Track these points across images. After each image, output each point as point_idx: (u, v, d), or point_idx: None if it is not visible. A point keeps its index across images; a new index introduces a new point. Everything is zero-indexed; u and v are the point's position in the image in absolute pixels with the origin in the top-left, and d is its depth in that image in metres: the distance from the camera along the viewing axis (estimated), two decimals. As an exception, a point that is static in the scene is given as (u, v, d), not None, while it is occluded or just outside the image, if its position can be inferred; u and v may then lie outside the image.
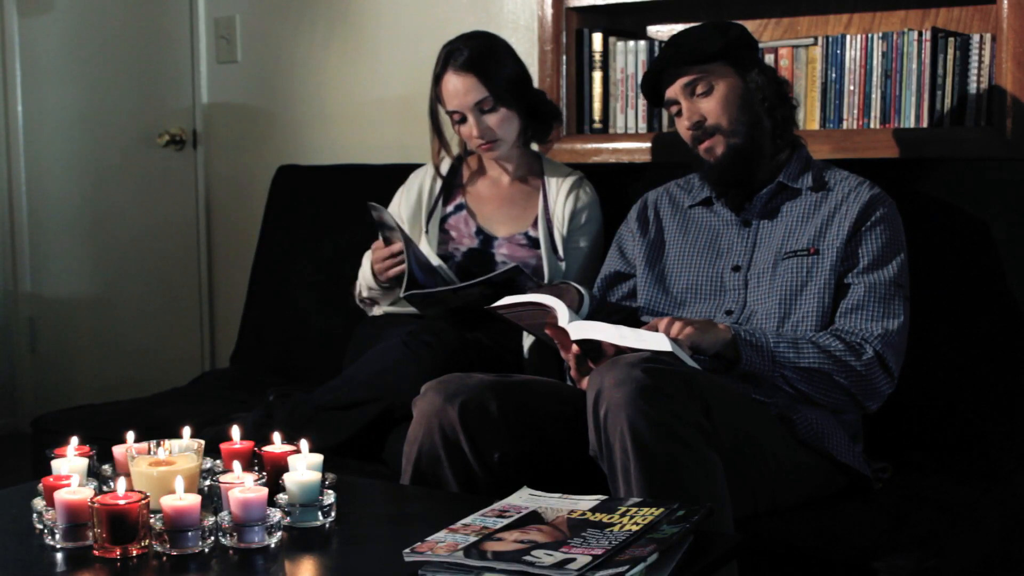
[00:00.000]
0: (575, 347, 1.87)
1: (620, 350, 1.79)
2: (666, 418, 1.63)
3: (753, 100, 2.08)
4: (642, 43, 2.73)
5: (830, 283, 2.00)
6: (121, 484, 1.46)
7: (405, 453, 1.85)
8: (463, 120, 2.44)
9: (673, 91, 2.12)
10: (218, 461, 1.72)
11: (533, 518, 1.45)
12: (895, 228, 2.03)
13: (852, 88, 2.48)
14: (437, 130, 2.53)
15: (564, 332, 1.85)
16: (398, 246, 2.35)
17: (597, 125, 2.80)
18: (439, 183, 2.58)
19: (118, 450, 1.68)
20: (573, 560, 1.28)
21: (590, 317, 2.24)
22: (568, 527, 1.40)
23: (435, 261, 2.46)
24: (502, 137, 2.45)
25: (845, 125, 2.50)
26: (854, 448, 1.96)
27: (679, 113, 2.12)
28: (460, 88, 2.40)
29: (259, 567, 1.43)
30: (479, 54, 2.40)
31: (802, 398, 1.93)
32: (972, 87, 2.37)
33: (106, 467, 1.70)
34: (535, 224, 2.49)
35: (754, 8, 2.66)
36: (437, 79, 2.44)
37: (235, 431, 1.73)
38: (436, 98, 2.48)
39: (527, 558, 1.29)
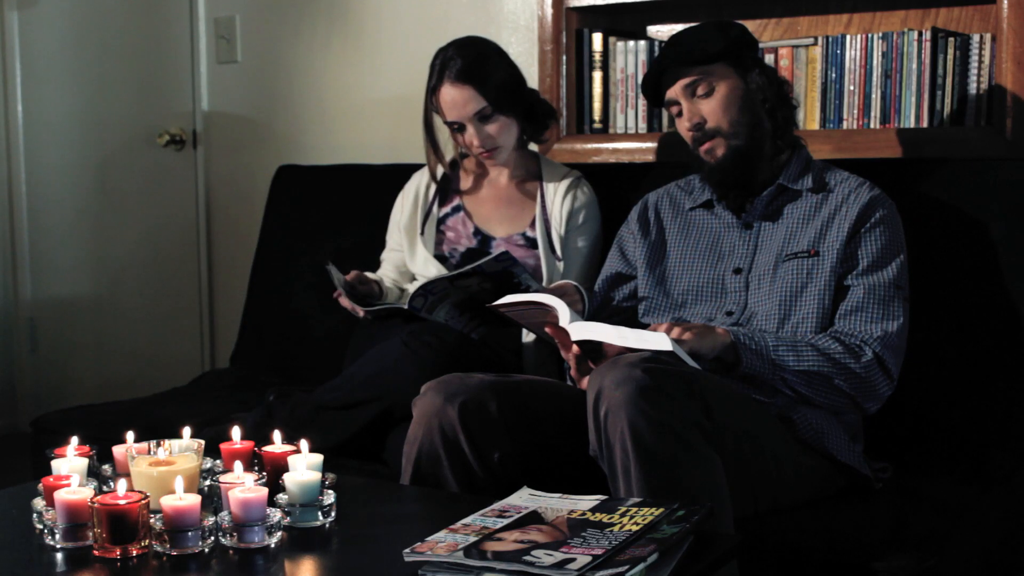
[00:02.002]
0: (575, 347, 1.87)
1: (620, 350, 1.79)
2: (666, 418, 1.63)
3: (754, 101, 2.08)
4: (642, 43, 2.73)
5: (830, 284, 2.00)
6: (121, 484, 1.46)
7: (405, 453, 1.85)
8: (462, 130, 2.43)
9: (674, 92, 2.11)
10: (218, 461, 1.72)
11: (533, 518, 1.45)
12: (895, 229, 2.03)
13: (852, 88, 2.48)
14: (432, 142, 2.52)
15: (565, 332, 1.85)
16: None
17: (597, 125, 2.80)
18: (435, 185, 2.58)
19: (118, 450, 1.68)
20: (573, 560, 1.28)
21: (591, 317, 2.24)
22: (568, 527, 1.40)
23: (432, 268, 2.46)
24: (502, 144, 2.45)
25: (845, 125, 2.50)
26: (854, 448, 1.96)
27: (679, 114, 2.12)
28: (458, 100, 2.39)
29: (259, 567, 1.43)
30: (473, 62, 2.39)
31: (802, 400, 1.93)
32: (972, 87, 2.37)
33: (106, 467, 1.70)
34: (533, 224, 2.49)
35: (754, 8, 2.66)
36: (433, 91, 2.43)
37: (235, 431, 1.73)
38: (432, 108, 2.47)
39: (527, 558, 1.29)
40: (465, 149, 2.51)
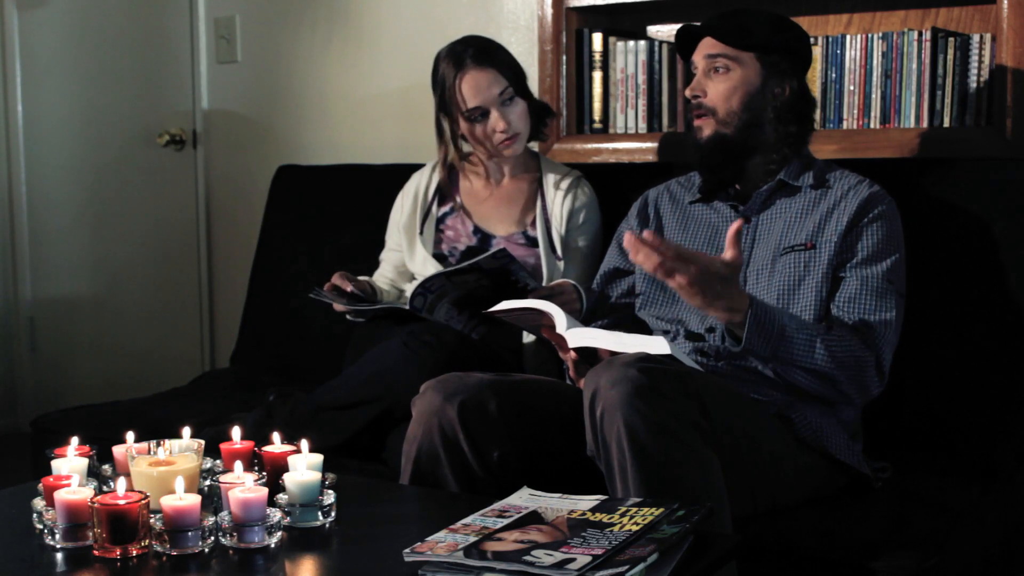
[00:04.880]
0: (573, 352, 1.87)
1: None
2: (662, 417, 1.62)
3: (763, 104, 2.07)
4: (642, 43, 2.73)
5: (827, 277, 1.99)
6: (121, 484, 1.46)
7: (404, 452, 1.85)
8: (485, 116, 2.42)
9: (697, 55, 2.12)
10: (218, 461, 1.72)
11: (533, 518, 1.45)
12: (893, 226, 2.03)
13: (852, 88, 2.48)
14: (440, 134, 2.52)
15: (562, 336, 1.85)
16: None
17: (597, 125, 2.80)
18: (435, 184, 2.58)
19: (118, 450, 1.68)
20: (573, 560, 1.28)
21: (590, 312, 2.24)
22: (568, 527, 1.40)
23: (431, 267, 2.46)
24: (521, 131, 2.46)
25: (845, 125, 2.50)
26: (853, 447, 1.96)
27: (693, 75, 2.13)
28: (482, 82, 2.40)
29: (259, 567, 1.43)
30: (487, 47, 2.43)
31: (787, 384, 1.91)
32: (972, 87, 2.37)
33: (106, 467, 1.70)
34: (533, 224, 2.49)
35: (756, 8, 2.66)
36: (455, 80, 2.41)
37: (235, 431, 1.73)
38: (447, 102, 2.45)
39: (527, 558, 1.29)
40: (482, 141, 2.46)
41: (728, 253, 1.79)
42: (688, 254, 1.76)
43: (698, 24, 2.13)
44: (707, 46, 2.10)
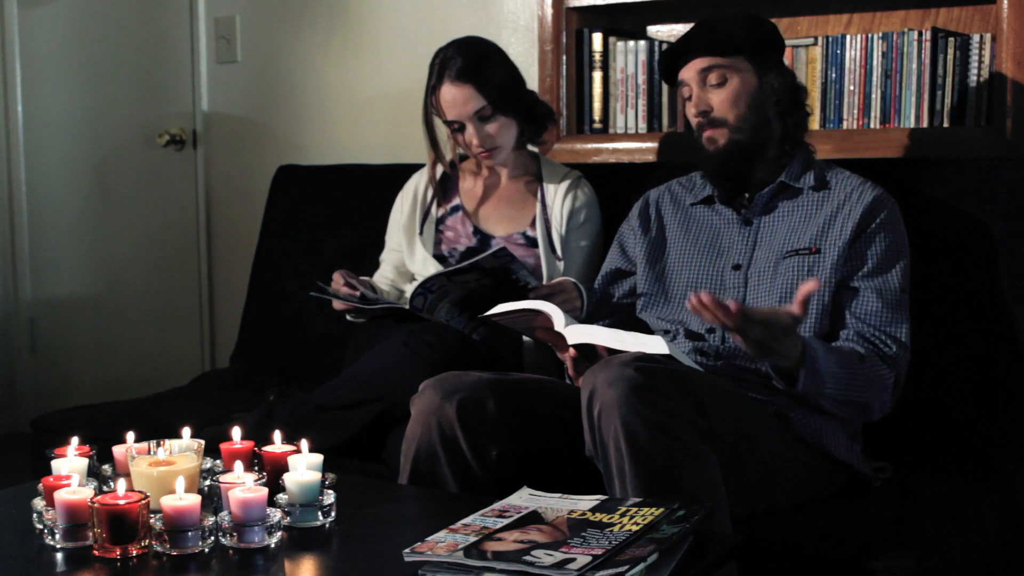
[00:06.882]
0: (571, 349, 1.87)
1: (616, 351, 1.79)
2: (660, 416, 1.62)
3: (765, 102, 2.07)
4: (642, 43, 2.73)
5: (831, 282, 1.99)
6: (121, 484, 1.46)
7: (403, 451, 1.85)
8: (462, 129, 2.44)
9: (687, 74, 2.11)
10: (218, 461, 1.72)
11: (533, 518, 1.45)
12: (899, 231, 2.03)
13: (852, 88, 2.48)
14: (432, 141, 2.52)
15: (560, 335, 1.85)
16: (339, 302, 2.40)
17: (597, 125, 2.80)
18: (434, 184, 2.58)
19: (118, 450, 1.68)
20: (573, 560, 1.28)
21: (591, 312, 2.24)
22: (568, 527, 1.40)
23: (431, 268, 2.46)
24: (501, 144, 2.45)
25: (845, 125, 2.50)
26: (853, 446, 1.96)
27: (689, 97, 2.12)
28: (459, 98, 2.39)
29: (259, 567, 1.43)
30: (474, 61, 2.40)
31: (806, 406, 1.92)
32: (972, 87, 2.37)
33: (106, 467, 1.70)
34: (533, 224, 2.49)
35: (754, 8, 2.66)
36: (433, 89, 2.43)
37: (235, 431, 1.73)
38: (432, 108, 2.47)
39: (527, 558, 1.29)
40: (464, 149, 2.51)
41: (796, 308, 1.75)
42: (756, 314, 1.72)
43: (681, 43, 2.12)
44: (697, 62, 2.09)
